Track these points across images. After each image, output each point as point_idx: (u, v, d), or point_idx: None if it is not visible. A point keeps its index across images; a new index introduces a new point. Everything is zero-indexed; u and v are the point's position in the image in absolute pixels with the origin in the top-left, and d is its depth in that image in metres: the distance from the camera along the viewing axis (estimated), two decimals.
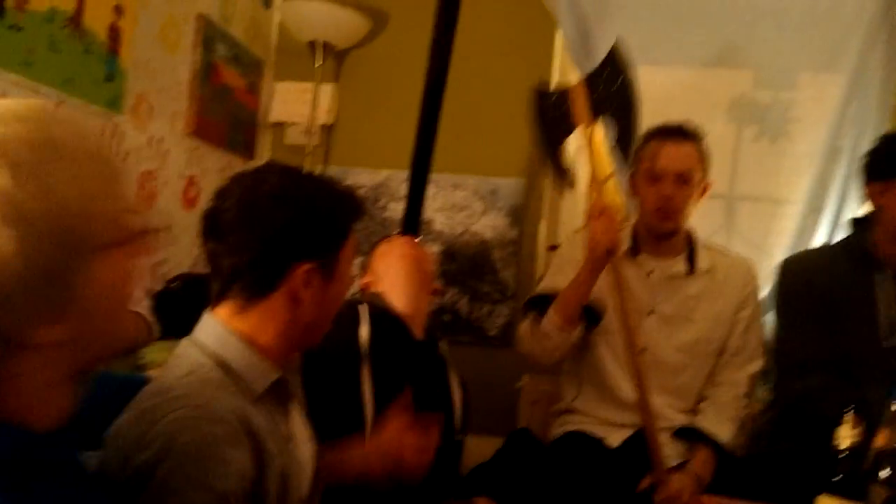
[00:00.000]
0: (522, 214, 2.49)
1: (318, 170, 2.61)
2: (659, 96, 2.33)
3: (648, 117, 2.38)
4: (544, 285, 1.75)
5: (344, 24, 2.46)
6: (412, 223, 2.13)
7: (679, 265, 1.70)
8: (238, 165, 2.50)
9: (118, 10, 1.75)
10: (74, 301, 0.59)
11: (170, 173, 2.08)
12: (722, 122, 2.41)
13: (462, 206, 2.51)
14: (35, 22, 1.48)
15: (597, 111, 1.60)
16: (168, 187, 2.07)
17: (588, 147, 1.60)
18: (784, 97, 2.38)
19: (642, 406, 1.56)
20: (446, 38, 2.03)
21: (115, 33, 1.75)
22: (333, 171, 2.61)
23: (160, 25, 1.96)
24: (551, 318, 1.62)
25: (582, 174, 2.61)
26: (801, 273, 1.71)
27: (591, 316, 1.66)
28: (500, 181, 2.50)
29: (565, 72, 2.58)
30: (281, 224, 0.93)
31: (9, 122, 0.57)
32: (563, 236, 2.52)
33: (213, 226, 0.95)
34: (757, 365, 1.71)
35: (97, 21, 1.67)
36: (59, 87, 1.57)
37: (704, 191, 1.70)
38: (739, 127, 2.42)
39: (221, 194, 0.96)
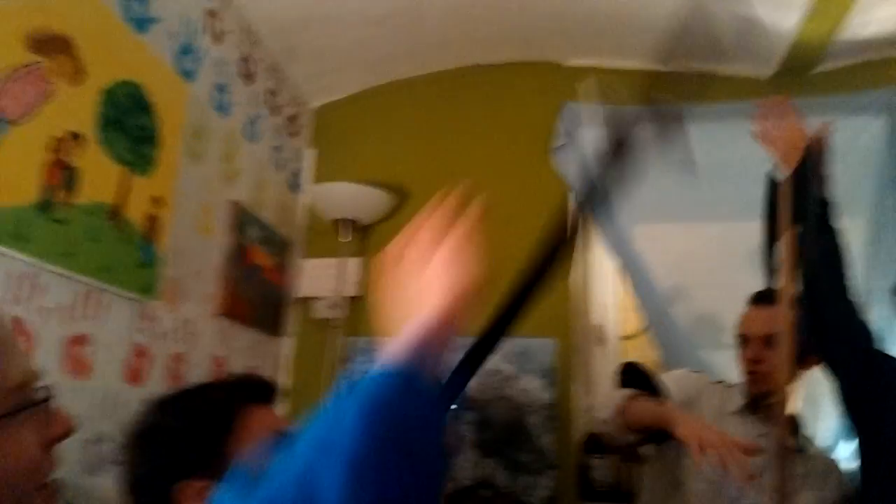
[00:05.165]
0: (556, 376, 2.41)
1: (344, 342, 2.60)
2: (684, 252, 2.36)
3: (673, 273, 2.41)
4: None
5: (368, 202, 2.57)
6: None
7: (789, 438, 1.55)
8: (265, 342, 2.49)
9: (156, 200, 1.85)
10: None
11: (200, 354, 2.07)
12: (749, 275, 2.40)
13: (493, 370, 2.45)
14: (79, 215, 1.56)
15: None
16: (197, 368, 2.05)
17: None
18: None
19: None
20: None
21: (152, 222, 1.83)
22: (360, 341, 2.60)
23: (196, 213, 2.06)
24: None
25: (610, 329, 2.59)
26: None
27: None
28: (530, 342, 2.46)
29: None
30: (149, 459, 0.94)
31: None
32: (600, 396, 2.42)
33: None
34: None
35: (136, 211, 1.76)
36: (96, 276, 1.61)
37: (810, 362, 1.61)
38: None
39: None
